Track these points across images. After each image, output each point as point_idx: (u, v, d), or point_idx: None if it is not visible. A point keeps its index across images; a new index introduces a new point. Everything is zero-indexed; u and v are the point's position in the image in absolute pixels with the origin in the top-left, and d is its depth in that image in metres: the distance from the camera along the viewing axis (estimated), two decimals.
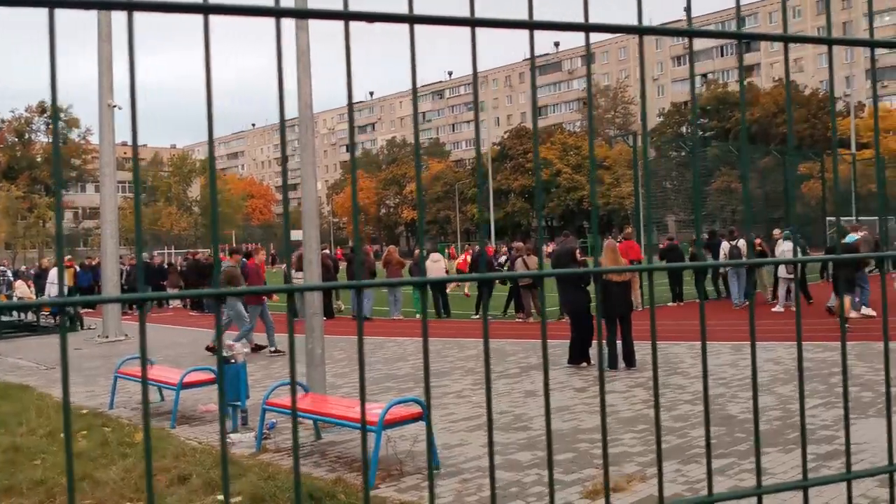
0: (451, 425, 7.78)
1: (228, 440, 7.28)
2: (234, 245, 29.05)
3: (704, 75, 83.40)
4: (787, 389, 8.88)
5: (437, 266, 19.74)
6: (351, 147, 1.27)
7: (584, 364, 10.97)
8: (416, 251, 22.33)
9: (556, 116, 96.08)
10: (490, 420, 1.37)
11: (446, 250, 66.07)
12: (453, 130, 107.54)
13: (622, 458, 6.44)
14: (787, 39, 1.59)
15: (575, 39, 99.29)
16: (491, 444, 1.38)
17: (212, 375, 8.21)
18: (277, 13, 1.08)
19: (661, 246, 21.10)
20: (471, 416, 8.21)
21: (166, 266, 26.74)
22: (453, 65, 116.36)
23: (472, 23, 1.25)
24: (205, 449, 7.02)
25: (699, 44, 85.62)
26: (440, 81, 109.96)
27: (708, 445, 1.54)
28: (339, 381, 10.43)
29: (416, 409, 6.19)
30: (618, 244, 12.27)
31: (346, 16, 1.13)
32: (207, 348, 14.12)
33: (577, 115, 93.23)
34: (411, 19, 1.18)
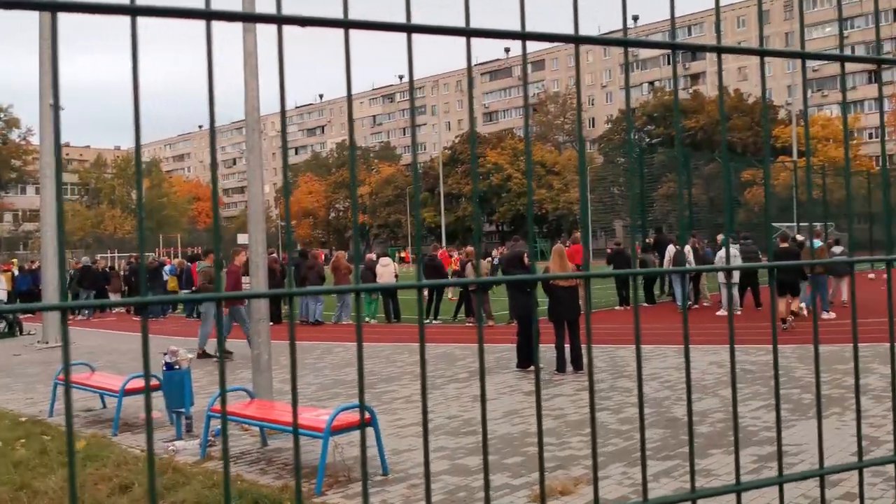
0: (399, 430, 7.75)
1: (172, 448, 7.16)
2: (181, 248, 28.51)
3: (652, 83, 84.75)
4: (730, 392, 9.03)
5: (386, 270, 19.68)
6: (351, 153, 1.24)
7: (532, 368, 11.03)
8: (368, 255, 22.24)
9: (506, 122, 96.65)
10: (426, 426, 1.36)
11: (397, 254, 65.98)
12: (404, 134, 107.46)
13: (570, 461, 6.48)
14: (720, 50, 1.61)
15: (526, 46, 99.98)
16: (427, 450, 1.37)
17: (156, 382, 8.04)
18: (207, 15, 1.06)
19: (608, 251, 21.36)
20: (420, 420, 8.18)
21: (108, 270, 26.14)
22: (404, 69, 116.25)
23: (409, 29, 1.24)
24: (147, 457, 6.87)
25: (647, 52, 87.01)
26: (391, 85, 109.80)
27: (643, 450, 1.55)
28: (286, 387, 10.31)
29: (365, 415, 6.13)
30: (566, 249, 12.38)
31: (280, 20, 1.10)
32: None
33: (528, 120, 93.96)
34: (346, 24, 1.16)
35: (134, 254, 42.37)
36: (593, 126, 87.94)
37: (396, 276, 19.84)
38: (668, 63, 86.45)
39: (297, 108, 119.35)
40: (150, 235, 72.27)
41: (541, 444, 1.47)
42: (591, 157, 72.10)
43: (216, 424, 7.10)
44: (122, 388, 8.17)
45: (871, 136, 73.66)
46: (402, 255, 68.70)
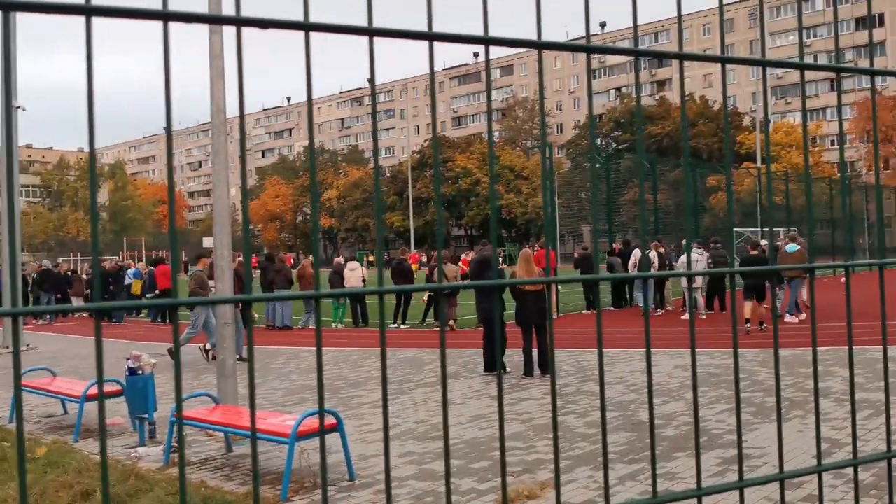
0: (366, 436, 7.71)
1: (135, 454, 7.05)
2: (146, 252, 28.22)
3: (619, 89, 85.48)
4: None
5: (354, 275, 19.58)
6: (311, 156, 1.23)
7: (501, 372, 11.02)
8: (336, 259, 22.10)
9: (475, 126, 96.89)
10: (387, 433, 1.35)
11: (365, 258, 65.74)
12: (373, 137, 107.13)
13: (536, 466, 6.49)
14: (682, 57, 1.62)
15: (494, 51, 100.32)
16: (387, 457, 1.36)
17: (118, 388, 7.92)
18: (164, 16, 1.03)
19: (575, 255, 21.49)
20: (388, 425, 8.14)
21: (70, 273, 25.72)
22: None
23: (371, 32, 1.22)
24: (111, 464, 6.77)
25: (613, 58, 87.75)
26: (359, 88, 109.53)
27: (605, 454, 1.56)
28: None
29: (331, 420, 6.11)
30: (533, 253, 12.42)
31: (239, 21, 1.09)
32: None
33: (497, 125, 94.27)
34: (307, 27, 1.14)
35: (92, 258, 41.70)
36: (561, 131, 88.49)
37: (364, 281, 19.74)
38: (632, 70, 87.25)
39: (264, 110, 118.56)
40: (114, 239, 71.35)
41: (503, 450, 1.46)
42: (559, 163, 72.50)
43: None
44: (83, 393, 8.03)
45: (832, 143, 75.03)
46: (370, 258, 68.49)
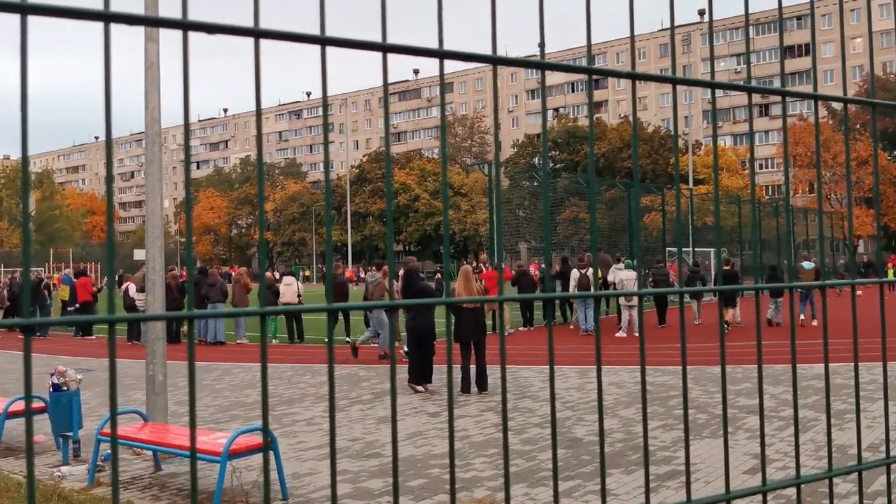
0: (301, 454, 7.57)
1: (58, 473, 6.78)
2: (73, 264, 27.46)
3: (556, 109, 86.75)
4: (629, 412, 9.23)
5: (289, 290, 19.34)
6: (260, 168, 1.17)
7: (422, 388, 10.98)
8: (268, 274, 21.76)
9: (414, 142, 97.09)
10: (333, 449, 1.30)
11: (301, 273, 65.02)
12: (311, 151, 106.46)
13: (473, 483, 6.46)
14: (634, 77, 1.63)
15: (434, 68, 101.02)
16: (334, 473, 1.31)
17: (42, 404, 7.62)
18: (107, 17, 0.98)
19: (512, 273, 21.61)
20: (322, 443, 8.02)
21: None
22: (312, 85, 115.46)
23: (323, 41, 1.18)
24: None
25: (551, 79, 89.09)
26: (298, 101, 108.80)
27: (554, 468, 1.53)
28: (181, 409, 9.94)
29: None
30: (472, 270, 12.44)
31: (185, 25, 1.03)
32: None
33: (436, 141, 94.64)
34: (257, 33, 1.10)
35: (18, 269, 40.41)
36: (500, 150, 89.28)
37: (300, 296, 19.50)
38: (573, 91, 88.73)
39: (200, 121, 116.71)
40: (41, 249, 69.03)
41: (452, 468, 1.43)
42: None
43: (106, 448, 6.77)
44: (4, 410, 7.70)
45: (761, 166, 77.39)
46: (306, 273, 67.87)
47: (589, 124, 1.63)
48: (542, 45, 1.60)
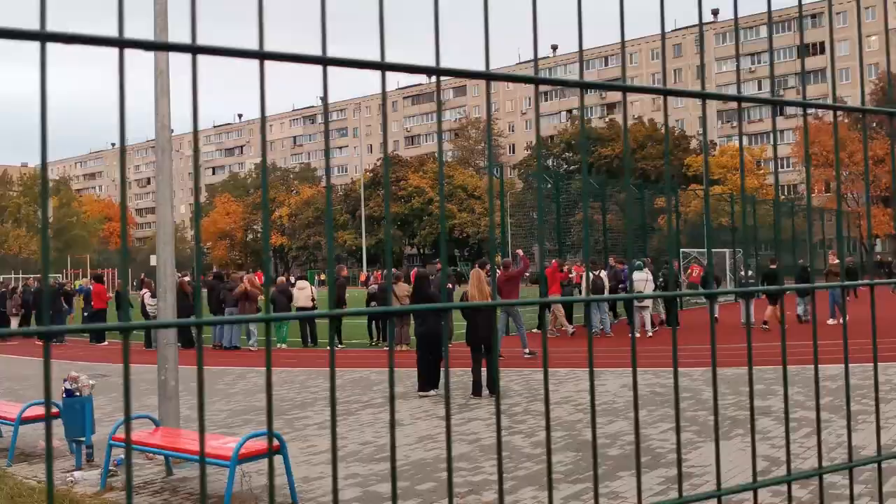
0: (311, 458, 7.61)
1: (70, 478, 6.85)
2: (90, 269, 27.64)
3: (570, 111, 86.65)
4: (641, 414, 9.20)
5: (303, 294, 19.43)
6: (263, 187, 1.21)
7: (433, 392, 11.00)
8: (279, 278, 21.89)
9: (428, 146, 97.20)
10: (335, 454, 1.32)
11: (316, 277, 65.20)
12: (325, 156, 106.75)
13: (482, 486, 6.48)
14: (626, 89, 1.65)
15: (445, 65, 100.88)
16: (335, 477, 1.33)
17: (55, 410, 7.70)
18: (121, 44, 1.03)
19: (526, 275, 21.59)
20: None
21: (4, 290, 25.06)
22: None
23: (324, 61, 1.25)
24: (43, 488, 6.56)
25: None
26: (311, 106, 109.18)
27: (549, 475, 1.55)
28: (195, 414, 10.00)
29: (273, 442, 6.01)
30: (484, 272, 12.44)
31: (194, 49, 1.07)
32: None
33: (450, 144, 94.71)
34: (262, 55, 1.17)
35: (33, 275, 40.74)
36: (513, 152, 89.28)
37: (314, 300, 19.58)
38: (588, 92, 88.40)
39: (215, 127, 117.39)
40: (58, 256, 69.69)
41: (450, 471, 1.45)
42: (511, 183, 73.09)
43: (118, 453, 6.84)
44: (18, 416, 7.79)
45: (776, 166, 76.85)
46: (321, 277, 68.01)
47: (580, 135, 1.66)
48: (535, 61, 1.62)
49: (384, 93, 1.40)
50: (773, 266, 19.18)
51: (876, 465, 2.07)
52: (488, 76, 1.49)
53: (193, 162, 1.21)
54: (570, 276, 20.36)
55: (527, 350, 14.87)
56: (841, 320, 17.78)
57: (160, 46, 1.17)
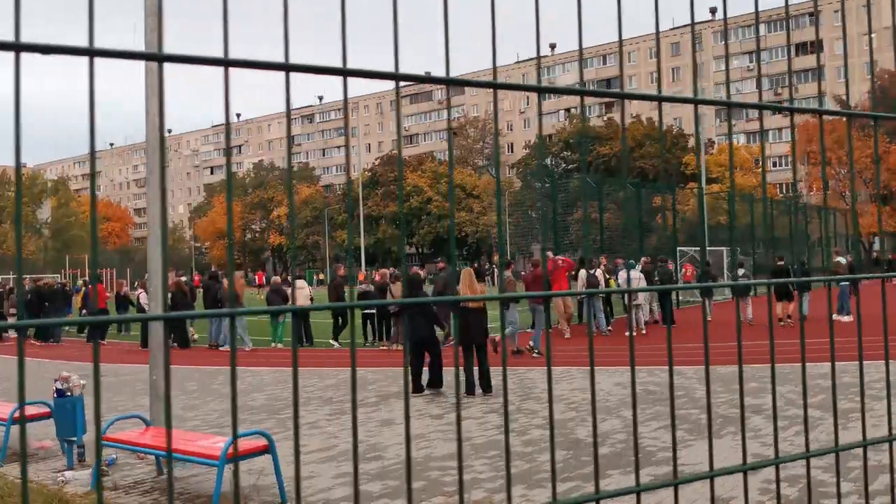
0: (302, 457, 7.61)
1: (62, 478, 6.86)
2: (89, 270, 27.63)
3: (568, 110, 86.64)
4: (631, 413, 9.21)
5: (301, 293, 19.42)
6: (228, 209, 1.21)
7: (427, 392, 11.01)
8: (274, 278, 21.87)
9: (426, 145, 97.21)
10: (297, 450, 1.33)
11: (315, 276, 65.25)
12: (323, 155, 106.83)
13: (471, 485, 6.49)
14: (623, 96, 1.68)
15: (442, 70, 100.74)
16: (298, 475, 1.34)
17: (47, 410, 7.71)
18: (91, 53, 1.04)
19: (522, 273, 21.64)
20: (323, 447, 8.07)
21: (2, 291, 25.07)
22: (324, 89, 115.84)
23: (287, 68, 1.26)
24: (35, 488, 6.57)
25: (563, 80, 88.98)
26: (310, 106, 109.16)
27: (553, 472, 1.56)
28: (188, 414, 10.03)
29: (262, 441, 6.03)
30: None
31: (160, 58, 1.08)
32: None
33: (447, 143, 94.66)
34: (226, 63, 1.20)
35: (31, 276, 40.68)
36: (511, 151, 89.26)
37: (312, 300, 19.60)
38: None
39: (213, 126, 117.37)
40: (57, 256, 69.68)
41: (461, 471, 1.45)
42: (510, 182, 73.09)
43: (109, 453, 6.85)
44: (9, 415, 7.79)
45: (775, 164, 77.02)
46: (320, 276, 68.07)
47: (581, 144, 1.66)
48: (493, 68, 1.63)
49: (345, 99, 1.41)
50: (781, 263, 19.61)
51: (861, 449, 2.10)
52: (448, 81, 1.51)
53: (159, 166, 1.22)
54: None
55: (535, 350, 14.90)
56: (844, 317, 17.91)
57: (127, 55, 1.19)
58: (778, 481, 2.04)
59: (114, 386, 12.90)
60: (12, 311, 23.83)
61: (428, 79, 1.46)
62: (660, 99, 1.77)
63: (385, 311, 17.28)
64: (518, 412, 9.50)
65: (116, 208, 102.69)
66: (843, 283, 18.03)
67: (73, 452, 7.37)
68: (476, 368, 10.80)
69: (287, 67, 1.29)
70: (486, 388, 10.76)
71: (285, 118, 1.37)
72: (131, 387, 12.72)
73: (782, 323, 18.21)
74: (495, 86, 1.51)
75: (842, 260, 20.81)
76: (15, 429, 8.02)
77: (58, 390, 7.34)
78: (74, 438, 7.35)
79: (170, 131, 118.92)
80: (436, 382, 11.10)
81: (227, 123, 1.20)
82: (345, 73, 1.33)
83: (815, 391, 9.93)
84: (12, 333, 23.95)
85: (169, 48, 1.19)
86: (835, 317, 18.43)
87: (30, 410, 8.07)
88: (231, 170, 1.33)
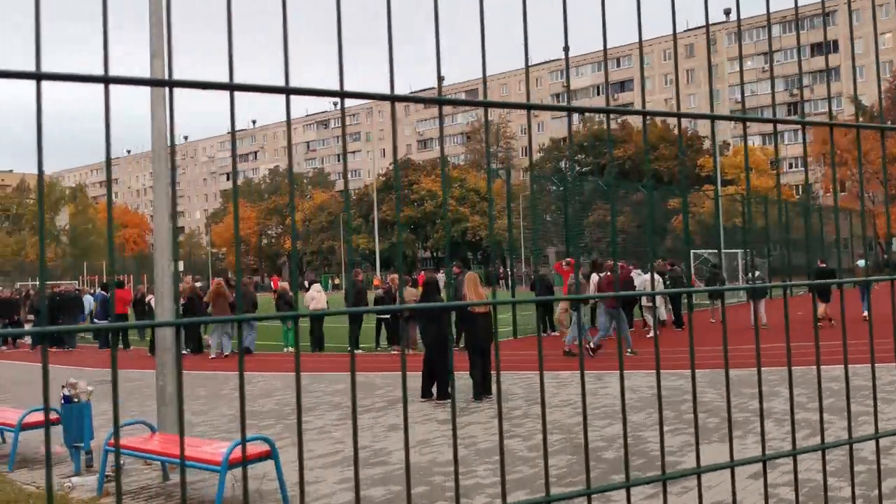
0: (307, 462, 7.65)
1: (69, 484, 6.93)
2: (106, 276, 27.87)
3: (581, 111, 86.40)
4: (639, 417, 9.19)
5: (320, 297, 19.49)
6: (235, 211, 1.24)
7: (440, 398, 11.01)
8: (281, 284, 21.96)
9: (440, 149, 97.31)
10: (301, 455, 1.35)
11: (330, 281, 65.45)
12: (338, 160, 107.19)
13: (474, 490, 6.49)
14: (608, 111, 1.72)
15: (457, 75, 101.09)
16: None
17: (56, 416, 7.79)
18: (106, 80, 1.08)
19: (531, 277, 21.61)
20: (329, 452, 8.10)
21: (17, 297, 25.33)
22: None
23: (231, 87, 1.31)
24: (43, 494, 6.64)
25: (576, 82, 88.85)
26: (325, 111, 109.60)
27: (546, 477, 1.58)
28: (196, 419, 10.09)
29: (264, 447, 6.07)
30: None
31: (171, 83, 1.12)
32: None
33: (461, 147, 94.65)
34: (231, 87, 1.27)
35: (49, 282, 41.07)
36: (524, 154, 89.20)
37: (327, 305, 19.67)
38: (599, 93, 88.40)
39: (229, 132, 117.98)
40: (74, 262, 70.24)
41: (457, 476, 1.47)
42: (523, 185, 73.04)
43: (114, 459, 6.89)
44: (18, 422, 7.88)
45: (791, 165, 76.50)
46: (335, 281, 68.32)
47: (486, 155, 1.68)
48: (439, 79, 1.66)
49: (289, 119, 1.46)
50: (823, 265, 19.57)
51: (847, 447, 2.12)
52: (393, 98, 1.56)
53: (106, 179, 1.25)
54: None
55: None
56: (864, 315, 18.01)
57: (140, 82, 1.29)
58: (766, 478, 2.05)
59: (123, 392, 13.00)
60: (30, 317, 24.07)
61: (320, 91, 1.51)
62: (679, 115, 1.82)
63: (398, 315, 17.31)
64: (525, 417, 9.49)
65: (134, 215, 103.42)
66: (860, 287, 18.24)
67: (81, 458, 7.44)
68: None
69: (287, 91, 1.37)
70: (487, 390, 10.75)
71: (230, 136, 1.41)
72: (139, 392, 12.82)
73: (820, 323, 18.28)
74: (393, 98, 1.55)
75: (860, 263, 21.10)
76: (24, 435, 8.11)
77: (65, 396, 7.41)
78: (81, 444, 7.42)
79: (185, 138, 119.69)
80: (444, 395, 11.08)
81: (234, 142, 1.26)
82: (287, 91, 1.37)
83: (824, 394, 9.86)
84: (26, 340, 24.21)
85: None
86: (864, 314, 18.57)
87: (37, 416, 8.16)
88: (238, 190, 1.37)
